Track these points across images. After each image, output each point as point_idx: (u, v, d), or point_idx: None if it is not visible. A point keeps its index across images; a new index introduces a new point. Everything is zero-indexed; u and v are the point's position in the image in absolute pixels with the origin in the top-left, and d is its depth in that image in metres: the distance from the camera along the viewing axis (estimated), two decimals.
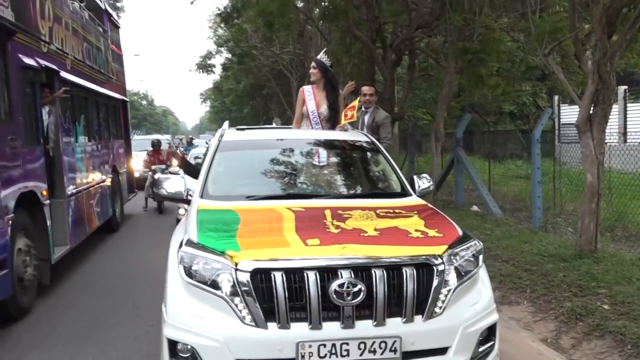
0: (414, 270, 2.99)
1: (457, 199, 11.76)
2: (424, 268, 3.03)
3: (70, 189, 7.46)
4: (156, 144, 14.73)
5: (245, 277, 2.89)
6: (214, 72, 34.04)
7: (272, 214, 3.63)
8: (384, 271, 2.94)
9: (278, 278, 2.87)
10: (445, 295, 3.04)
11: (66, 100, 7.71)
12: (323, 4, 13.92)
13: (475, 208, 10.82)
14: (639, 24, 5.56)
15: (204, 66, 32.07)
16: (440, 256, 3.08)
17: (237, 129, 5.40)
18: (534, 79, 13.91)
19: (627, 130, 20.14)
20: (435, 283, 3.01)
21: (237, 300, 2.90)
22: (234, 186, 4.40)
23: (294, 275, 2.90)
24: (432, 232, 3.35)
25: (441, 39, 11.50)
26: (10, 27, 5.65)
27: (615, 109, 21.01)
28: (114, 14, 13.56)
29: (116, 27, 13.04)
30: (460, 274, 3.15)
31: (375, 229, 3.33)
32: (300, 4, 16.27)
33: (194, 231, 3.31)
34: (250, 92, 36.42)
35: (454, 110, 17.07)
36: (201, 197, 4.07)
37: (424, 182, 4.60)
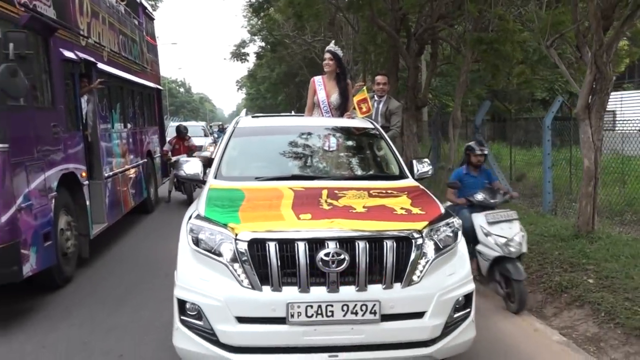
0: (394, 242, 3.31)
1: None
2: (404, 241, 3.35)
3: (107, 172, 8.05)
4: (183, 131, 13.06)
5: (243, 246, 3.28)
6: (247, 61, 34.63)
7: (274, 193, 3.98)
8: (367, 243, 3.27)
9: (272, 247, 3.24)
10: (423, 266, 3.35)
11: (103, 90, 8.24)
12: None
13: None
14: (633, 18, 5.88)
15: (238, 55, 32.72)
16: (420, 231, 3.40)
17: (253, 117, 5.81)
18: (548, 67, 13.99)
19: None
20: (413, 255, 3.33)
21: (236, 266, 3.29)
22: (245, 168, 4.77)
23: (287, 245, 3.25)
24: (415, 210, 3.68)
25: (461, 29, 11.78)
26: (52, 24, 6.21)
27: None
28: (148, 6, 14.12)
29: (151, 19, 13.60)
30: (439, 248, 3.46)
31: (363, 207, 3.66)
32: None
33: (203, 206, 3.74)
34: (284, 79, 37.03)
35: (479, 97, 17.26)
36: (215, 177, 4.48)
37: (423, 167, 4.86)
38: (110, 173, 8.25)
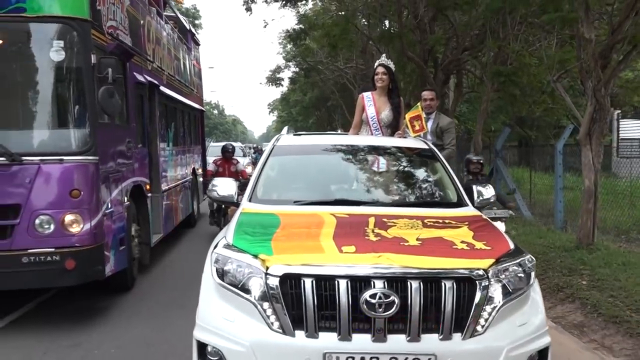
0: (454, 284, 2.85)
1: None
2: (466, 282, 2.88)
3: (164, 186, 8.72)
4: (229, 151, 11.69)
5: (274, 282, 2.87)
6: (282, 85, 36.00)
7: (314, 219, 3.59)
8: (421, 283, 2.81)
9: (308, 284, 2.82)
10: (489, 313, 2.88)
11: (161, 110, 8.99)
12: (380, 28, 15.37)
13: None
14: (628, 59, 6.81)
15: (274, 79, 34.11)
16: (485, 270, 2.93)
17: (295, 134, 5.51)
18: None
19: None
20: (477, 300, 2.85)
21: (265, 305, 2.88)
22: (283, 190, 4.42)
23: (325, 283, 2.83)
24: (479, 244, 3.19)
25: (485, 59, 12.77)
26: (130, 51, 6.99)
27: None
28: (195, 32, 15.37)
29: (197, 44, 14.68)
30: (508, 291, 2.97)
31: (417, 239, 3.20)
32: (363, 22, 17.76)
33: (232, 233, 3.36)
34: (316, 103, 38.16)
35: (505, 124, 18.15)
36: (249, 200, 4.11)
37: (483, 193, 4.39)
38: (166, 187, 8.94)
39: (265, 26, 24.90)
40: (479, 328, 2.86)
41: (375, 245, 3.08)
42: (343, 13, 15.81)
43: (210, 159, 18.45)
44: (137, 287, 6.88)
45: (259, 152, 28.46)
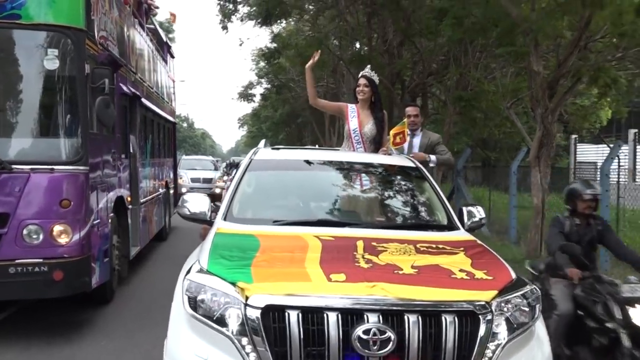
0: (456, 318, 2.60)
1: None
2: (468, 316, 2.64)
3: (142, 199, 8.60)
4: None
5: (255, 314, 2.58)
6: (254, 101, 36.59)
7: (296, 242, 3.30)
8: (419, 317, 2.57)
9: (293, 318, 2.55)
10: (493, 352, 2.63)
11: (141, 122, 8.90)
12: (351, 50, 16.08)
13: None
14: (573, 90, 7.55)
15: (246, 95, 34.68)
16: (489, 303, 2.67)
17: (273, 148, 5.17)
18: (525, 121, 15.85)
19: (637, 170, 21.65)
20: (481, 335, 2.62)
21: (244, 340, 2.59)
22: (261, 209, 4.11)
23: (313, 316, 2.56)
24: (479, 274, 2.92)
25: (450, 84, 13.57)
26: (119, 62, 6.92)
27: (626, 149, 22.73)
28: (171, 45, 15.18)
29: (172, 57, 14.62)
30: (513, 326, 2.72)
31: (412, 266, 2.94)
32: (335, 43, 18.49)
33: (205, 257, 3.02)
34: (286, 119, 38.76)
35: (465, 145, 19.02)
36: (224, 219, 3.77)
37: (474, 215, 4.09)
38: (143, 200, 8.80)
39: (240, 44, 25.50)
40: None
41: (367, 274, 2.80)
42: (316, 35, 16.47)
43: (184, 172, 18.78)
44: (116, 300, 6.75)
45: (235, 166, 27.95)
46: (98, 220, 5.84)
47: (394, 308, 2.61)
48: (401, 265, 2.94)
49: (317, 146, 9.41)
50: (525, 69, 8.74)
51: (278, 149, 5.20)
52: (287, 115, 37.22)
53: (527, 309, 2.82)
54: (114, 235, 6.70)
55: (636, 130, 24.16)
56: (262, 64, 30.46)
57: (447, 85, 13.68)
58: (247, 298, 2.64)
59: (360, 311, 2.59)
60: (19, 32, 5.34)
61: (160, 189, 11.15)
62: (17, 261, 5.08)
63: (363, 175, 4.58)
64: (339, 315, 2.57)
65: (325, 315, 2.57)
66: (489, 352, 2.63)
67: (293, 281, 2.77)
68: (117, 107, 7.02)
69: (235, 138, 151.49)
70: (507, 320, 2.72)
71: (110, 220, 6.41)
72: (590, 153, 22.72)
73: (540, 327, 3.00)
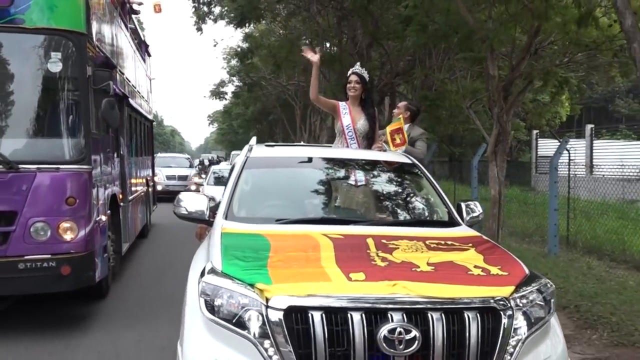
0: (478, 315, 2.60)
1: None
2: (489, 313, 2.64)
3: (129, 196, 8.82)
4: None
5: (277, 316, 2.54)
6: (226, 99, 36.98)
7: (306, 241, 3.27)
8: (442, 315, 2.56)
9: (317, 318, 2.51)
10: (514, 347, 2.64)
11: (127, 121, 9.08)
12: (322, 51, 16.71)
13: None
14: (525, 92, 8.36)
15: (217, 93, 35.06)
16: (508, 299, 2.68)
17: (267, 145, 5.13)
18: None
19: (593, 163, 22.79)
20: (503, 331, 2.62)
21: (266, 343, 2.54)
22: (261, 207, 4.11)
23: (336, 316, 2.53)
24: (494, 270, 2.93)
25: (416, 83, 14.36)
26: (112, 63, 7.17)
27: (583, 144, 23.91)
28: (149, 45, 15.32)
29: (149, 55, 14.82)
30: (531, 322, 2.73)
31: (428, 264, 2.93)
32: (306, 42, 19.08)
33: (218, 258, 2.96)
34: (258, 117, 39.27)
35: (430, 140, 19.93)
36: (225, 218, 3.73)
37: (472, 210, 4.18)
38: (131, 197, 9.03)
39: (215, 45, 25.88)
40: None
41: (386, 272, 2.79)
42: (288, 36, 17.05)
43: (159, 169, 19.04)
44: (111, 295, 6.93)
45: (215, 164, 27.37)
46: (99, 218, 6.03)
47: (418, 306, 2.59)
48: (417, 263, 2.93)
49: (302, 143, 9.73)
50: (483, 72, 9.54)
51: (272, 146, 5.21)
52: (258, 112, 37.66)
53: (543, 304, 2.84)
54: (109, 232, 6.89)
55: (592, 125, 25.46)
56: (233, 62, 30.92)
57: (413, 84, 14.46)
58: (267, 300, 2.59)
59: (384, 310, 2.56)
60: (22, 36, 5.46)
61: (143, 187, 11.40)
62: (26, 257, 5.25)
63: (362, 172, 4.52)
64: (363, 315, 2.53)
65: (349, 315, 2.53)
66: (510, 348, 2.62)
67: (313, 281, 2.71)
68: None
69: (204, 135, 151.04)
70: (526, 315, 2.73)
71: (106, 218, 6.61)
72: (551, 148, 23.78)
73: (554, 320, 3.00)
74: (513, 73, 8.31)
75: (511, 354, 2.62)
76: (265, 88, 30.19)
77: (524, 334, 2.68)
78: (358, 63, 5.77)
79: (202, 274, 2.86)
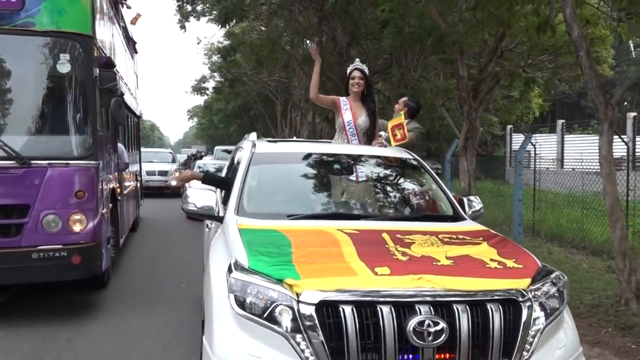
0: (500, 306, 2.71)
1: None
2: (510, 304, 2.75)
3: (125, 190, 9.23)
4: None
5: (309, 311, 2.59)
6: (207, 95, 37.26)
7: (324, 237, 3.32)
8: (467, 307, 2.65)
9: (348, 312, 2.58)
10: (534, 337, 2.74)
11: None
12: (303, 49, 17.32)
13: None
14: (492, 92, 9.10)
15: (199, 88, 35.37)
16: (526, 290, 2.80)
17: (269, 141, 5.20)
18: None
19: (564, 157, 23.67)
20: (523, 322, 2.72)
21: (298, 337, 2.59)
22: (271, 203, 4.10)
23: (366, 310, 2.60)
24: (510, 263, 3.04)
25: (393, 82, 15.05)
26: (113, 63, 7.28)
27: (554, 138, 24.83)
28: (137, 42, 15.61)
29: (136, 52, 15.07)
30: (547, 312, 2.83)
31: (447, 257, 3.01)
32: (287, 38, 19.65)
33: (243, 254, 2.99)
34: (238, 112, 39.52)
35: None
36: (237, 214, 3.74)
37: (474, 204, 4.26)
38: (126, 191, 9.41)
39: (198, 43, 26.19)
40: (525, 353, 2.71)
41: (409, 267, 2.86)
42: (270, 35, 17.57)
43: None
44: (111, 285, 7.25)
45: (198, 158, 27.47)
46: (104, 211, 6.33)
47: (444, 299, 2.67)
48: (437, 257, 3.00)
49: (294, 138, 9.37)
50: (454, 72, 10.26)
51: (275, 141, 5.33)
52: (239, 108, 37.90)
53: (557, 295, 2.95)
54: (110, 225, 7.16)
55: (564, 120, 26.44)
56: (215, 58, 31.27)
57: (391, 82, 15.15)
58: (298, 295, 2.65)
59: (411, 303, 2.63)
60: (32, 38, 5.69)
61: (134, 182, 11.69)
62: (39, 247, 5.52)
63: (368, 167, 4.58)
64: (392, 308, 2.60)
65: (378, 309, 2.60)
66: (529, 338, 2.72)
67: (341, 276, 2.77)
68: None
69: (183, 130, 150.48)
70: (542, 306, 2.82)
71: (108, 211, 6.88)
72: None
73: (566, 311, 3.09)
74: (481, 74, 9.04)
75: (530, 344, 2.72)
76: (246, 84, 30.56)
77: (542, 324, 2.78)
78: (357, 59, 5.83)
79: (230, 270, 2.88)
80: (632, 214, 8.82)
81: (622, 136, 9.26)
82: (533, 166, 10.90)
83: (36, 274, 5.62)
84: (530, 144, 9.71)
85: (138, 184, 13.15)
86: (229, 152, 23.26)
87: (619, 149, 8.81)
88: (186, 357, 4.96)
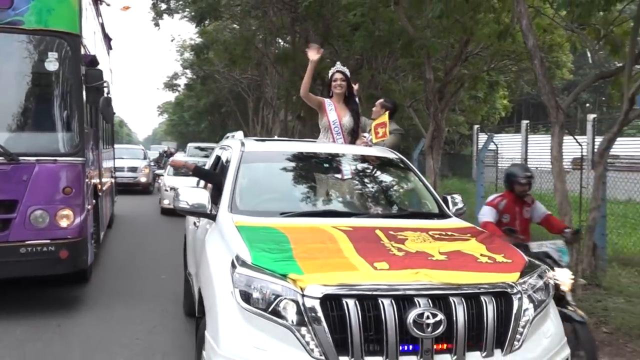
0: (492, 299, 2.86)
1: None
2: (502, 297, 2.90)
3: (104, 187, 9.20)
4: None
5: (314, 304, 2.69)
6: (179, 92, 37.19)
7: (320, 233, 3.42)
8: (463, 299, 2.80)
9: (351, 305, 2.69)
10: (523, 327, 2.90)
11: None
12: (275, 47, 17.67)
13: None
14: (458, 94, 9.65)
15: (171, 85, 35.29)
16: (516, 283, 2.95)
17: (256, 140, 5.31)
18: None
19: (528, 157, 24.52)
20: (514, 313, 2.88)
21: (303, 330, 2.69)
22: (263, 201, 4.18)
23: (368, 303, 2.71)
24: (499, 258, 3.20)
25: (364, 82, 15.54)
26: (97, 61, 7.17)
27: (519, 138, 25.67)
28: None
29: (111, 49, 15.00)
30: (535, 304, 3.00)
31: (440, 253, 3.15)
32: (259, 45, 19.96)
33: (245, 251, 3.07)
34: (210, 109, 39.21)
35: None
36: (230, 211, 3.81)
37: (456, 202, 4.39)
38: (104, 188, 9.40)
39: (172, 40, 26.11)
40: (516, 343, 2.87)
41: (406, 261, 2.98)
42: (243, 33, 17.84)
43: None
44: (93, 279, 7.35)
45: (169, 155, 27.30)
46: (89, 207, 6.40)
47: (441, 292, 2.80)
48: (431, 252, 3.13)
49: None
50: (422, 75, 10.81)
51: (263, 140, 5.50)
52: (210, 104, 37.59)
53: (544, 288, 3.12)
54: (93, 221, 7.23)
55: (528, 121, 27.31)
56: (186, 54, 31.24)
57: (362, 83, 15.63)
58: (302, 289, 2.74)
59: (411, 296, 2.75)
60: (21, 37, 5.72)
61: (110, 178, 11.77)
62: (27, 242, 5.58)
63: (356, 166, 4.70)
64: (393, 301, 2.72)
65: (380, 302, 2.71)
66: (520, 328, 2.88)
67: (342, 271, 2.88)
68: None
69: (152, 126, 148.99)
70: (531, 298, 2.99)
71: (91, 207, 6.92)
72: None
73: (551, 304, 3.25)
74: (447, 77, 9.58)
75: (521, 334, 2.89)
76: (218, 81, 30.46)
77: (531, 315, 2.95)
78: (338, 63, 6.06)
79: (234, 266, 2.98)
80: (585, 209, 9.42)
81: (578, 137, 9.86)
82: (495, 164, 11.48)
83: (24, 269, 5.68)
84: (492, 143, 10.28)
85: (113, 181, 13.15)
86: (202, 149, 23.43)
87: (577, 149, 9.41)
88: (171, 341, 5.30)
